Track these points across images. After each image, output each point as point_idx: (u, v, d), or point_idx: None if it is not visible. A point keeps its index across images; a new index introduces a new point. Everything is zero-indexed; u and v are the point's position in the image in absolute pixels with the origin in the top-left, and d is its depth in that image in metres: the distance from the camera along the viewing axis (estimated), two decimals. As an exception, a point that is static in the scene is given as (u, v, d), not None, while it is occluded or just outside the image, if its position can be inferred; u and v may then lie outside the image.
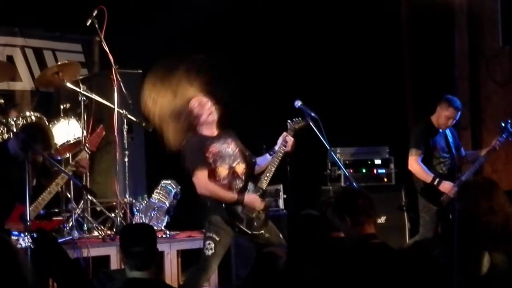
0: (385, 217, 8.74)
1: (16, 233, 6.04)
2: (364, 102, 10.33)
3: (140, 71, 9.01)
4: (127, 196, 8.21)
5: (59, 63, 8.71)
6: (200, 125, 6.58)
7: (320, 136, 6.56)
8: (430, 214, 8.18)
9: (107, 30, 7.94)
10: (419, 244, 8.12)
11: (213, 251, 6.37)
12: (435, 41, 10.26)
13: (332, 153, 7.35)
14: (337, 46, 10.33)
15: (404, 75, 10.76)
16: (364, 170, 9.35)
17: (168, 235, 7.94)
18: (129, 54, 9.01)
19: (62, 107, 8.38)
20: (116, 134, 8.14)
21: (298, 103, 6.75)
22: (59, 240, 6.94)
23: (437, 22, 10.22)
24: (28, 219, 5.67)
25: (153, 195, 8.29)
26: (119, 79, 8.03)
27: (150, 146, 8.85)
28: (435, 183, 7.99)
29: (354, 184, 7.03)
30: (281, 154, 6.64)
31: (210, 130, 6.61)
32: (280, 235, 6.75)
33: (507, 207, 4.94)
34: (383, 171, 9.37)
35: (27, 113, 7.99)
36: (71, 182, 7.51)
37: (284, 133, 6.71)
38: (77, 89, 8.06)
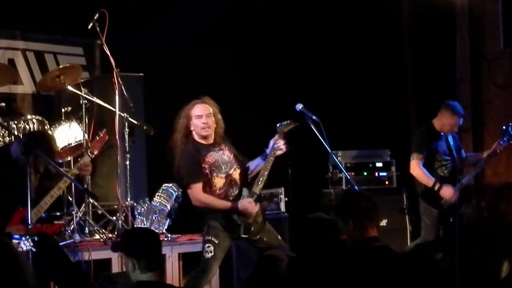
0: (386, 220, 8.73)
1: (17, 236, 6.04)
2: (365, 105, 10.34)
3: (142, 74, 9.03)
4: (129, 199, 8.20)
5: (60, 66, 8.71)
6: (195, 133, 6.63)
7: (322, 139, 6.56)
8: (431, 218, 8.18)
9: (108, 33, 7.94)
10: (420, 247, 8.12)
11: (212, 253, 6.43)
12: (437, 44, 10.26)
13: (334, 156, 7.34)
14: (339, 49, 10.33)
15: (405, 78, 10.76)
16: (365, 173, 9.35)
17: (169, 238, 7.93)
18: (131, 57, 9.01)
19: (63, 110, 8.37)
20: (117, 137, 8.13)
21: (299, 106, 6.75)
22: (61, 243, 6.94)
23: (439, 25, 10.22)
24: (29, 223, 5.66)
25: (154, 198, 8.27)
26: (121, 82, 8.01)
27: (152, 150, 8.85)
28: (436, 188, 7.99)
29: (355, 187, 7.04)
30: (272, 158, 6.71)
31: (205, 139, 6.65)
32: (279, 237, 6.81)
33: None
34: (385, 174, 9.36)
35: (28, 116, 7.99)
36: (73, 185, 7.50)
37: (274, 138, 6.74)
38: (79, 92, 8.05)
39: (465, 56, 10.21)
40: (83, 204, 8.01)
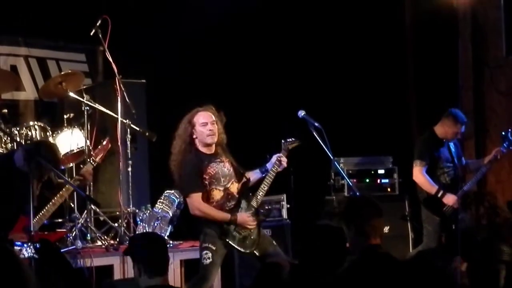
0: (388, 227, 8.71)
1: (19, 243, 6.04)
2: (367, 112, 10.33)
3: (144, 80, 9.03)
4: (131, 206, 8.20)
5: (62, 73, 8.72)
6: (199, 142, 6.62)
7: (324, 146, 6.56)
8: (433, 225, 8.18)
9: (110, 40, 7.94)
10: (422, 254, 8.11)
11: (210, 260, 6.46)
12: (439, 51, 10.26)
13: (336, 163, 7.34)
14: (341, 56, 10.33)
15: (408, 85, 10.76)
16: (367, 180, 9.34)
17: (171, 245, 7.92)
18: (133, 63, 9.02)
19: (65, 116, 8.36)
20: (119, 144, 8.13)
21: (301, 113, 6.75)
22: (62, 250, 6.94)
23: (441, 32, 10.23)
24: (32, 230, 5.66)
25: (156, 205, 8.27)
26: (123, 89, 8.02)
27: (154, 156, 8.85)
28: (439, 195, 8.00)
29: (357, 194, 7.04)
30: (274, 174, 6.75)
31: (207, 147, 6.65)
32: (274, 242, 6.82)
33: None
34: (387, 181, 9.35)
35: (31, 123, 7.98)
36: (75, 192, 7.50)
37: (278, 154, 6.76)
38: (81, 99, 8.05)
39: (468, 63, 10.21)
40: (85, 211, 8.01)
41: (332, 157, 6.70)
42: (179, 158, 6.60)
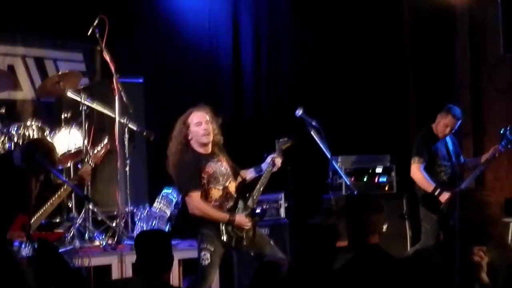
0: (386, 225, 8.69)
1: (17, 242, 6.04)
2: (365, 110, 10.34)
3: (141, 80, 9.02)
4: (129, 205, 8.19)
5: (60, 72, 8.71)
6: (194, 142, 6.61)
7: (321, 145, 6.57)
8: (431, 223, 8.16)
9: (108, 39, 7.93)
10: (420, 252, 8.10)
11: (209, 260, 6.46)
12: (437, 49, 10.27)
13: (333, 161, 7.33)
14: (339, 54, 10.35)
15: (406, 83, 10.76)
16: (365, 179, 9.32)
17: (169, 244, 7.91)
18: (131, 63, 9.01)
19: (63, 116, 8.35)
20: (117, 143, 8.12)
21: (299, 112, 6.75)
22: (60, 250, 6.93)
23: (439, 30, 10.23)
24: (30, 229, 5.67)
25: (154, 204, 8.27)
26: (120, 88, 8.00)
27: (152, 155, 8.84)
28: (436, 193, 7.98)
29: (355, 192, 7.04)
30: (269, 174, 6.76)
31: (204, 147, 6.64)
32: (271, 242, 6.82)
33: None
34: (385, 179, 9.34)
35: (28, 123, 7.97)
36: (73, 192, 7.50)
37: (272, 155, 6.75)
38: (78, 99, 8.04)
39: (465, 60, 10.22)
40: (83, 210, 8.00)
41: (329, 156, 6.70)
42: (176, 158, 6.59)
